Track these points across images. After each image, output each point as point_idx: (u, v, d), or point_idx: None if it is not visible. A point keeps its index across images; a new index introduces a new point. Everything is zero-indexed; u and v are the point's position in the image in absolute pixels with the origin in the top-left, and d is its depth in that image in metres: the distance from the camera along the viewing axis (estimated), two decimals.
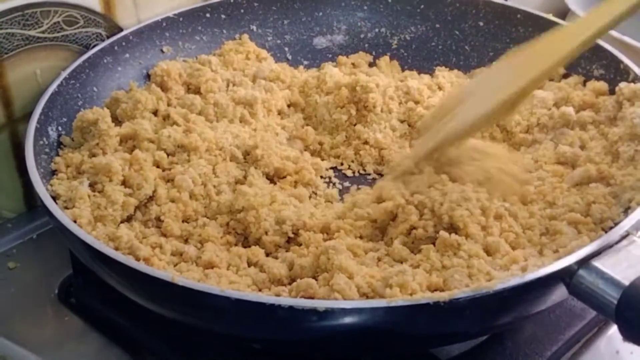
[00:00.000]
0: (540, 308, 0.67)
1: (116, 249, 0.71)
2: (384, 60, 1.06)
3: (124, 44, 0.97)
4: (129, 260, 0.66)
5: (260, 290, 0.69)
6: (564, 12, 1.20)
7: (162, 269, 0.70)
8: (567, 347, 0.77)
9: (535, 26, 0.99)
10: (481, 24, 1.04)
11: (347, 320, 0.61)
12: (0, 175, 0.90)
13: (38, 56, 0.89)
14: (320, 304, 0.60)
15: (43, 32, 0.88)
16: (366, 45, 1.09)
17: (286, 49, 1.08)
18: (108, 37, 0.95)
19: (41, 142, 0.83)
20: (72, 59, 0.92)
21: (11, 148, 0.90)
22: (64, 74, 0.90)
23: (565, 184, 0.79)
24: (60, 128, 0.87)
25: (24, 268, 0.85)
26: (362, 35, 1.09)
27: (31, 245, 0.89)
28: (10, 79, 0.87)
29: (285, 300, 0.61)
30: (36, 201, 0.93)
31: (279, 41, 1.08)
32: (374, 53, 1.08)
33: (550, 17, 0.99)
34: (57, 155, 0.85)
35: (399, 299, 0.61)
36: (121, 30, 0.97)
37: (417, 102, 0.94)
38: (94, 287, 0.79)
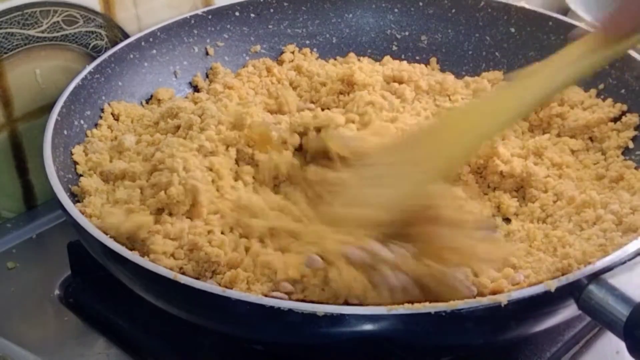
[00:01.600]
0: (548, 324, 0.66)
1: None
2: None
3: (151, 39, 0.97)
4: (135, 257, 0.66)
5: None
6: (564, 12, 1.18)
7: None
8: (567, 348, 0.76)
9: (566, 33, 0.97)
10: (513, 30, 1.02)
11: (347, 325, 0.60)
12: None
13: (37, 56, 0.89)
14: (320, 309, 0.59)
15: (42, 31, 0.88)
16: (395, 48, 1.07)
17: (315, 49, 1.07)
18: (108, 37, 0.95)
19: (65, 133, 0.84)
20: (72, 58, 0.92)
21: (11, 148, 0.90)
22: (89, 68, 0.90)
23: None
24: (83, 121, 0.88)
25: (23, 268, 0.86)
26: (391, 38, 1.08)
27: (31, 245, 0.89)
28: (9, 78, 0.87)
29: (285, 303, 0.61)
30: (36, 201, 0.95)
31: (307, 41, 1.07)
32: (402, 57, 1.07)
33: (583, 26, 0.97)
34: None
35: (400, 307, 0.60)
36: (121, 29, 0.97)
37: None
38: (93, 287, 0.80)
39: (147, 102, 0.96)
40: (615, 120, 0.89)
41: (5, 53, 0.86)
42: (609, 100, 0.91)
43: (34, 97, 0.89)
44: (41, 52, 0.89)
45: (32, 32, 0.87)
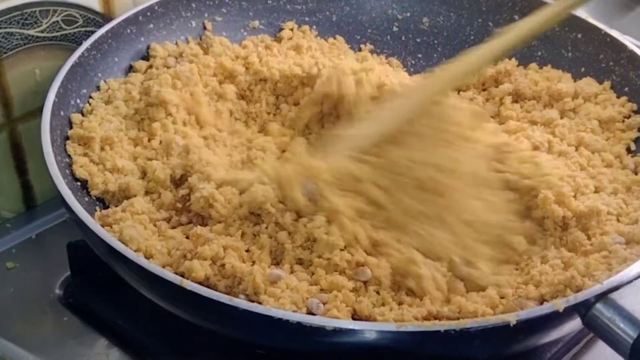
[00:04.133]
0: (551, 338, 0.66)
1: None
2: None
3: (148, 14, 0.95)
4: (141, 260, 0.65)
5: None
6: None
7: None
8: (567, 349, 0.76)
9: (570, 26, 0.96)
10: (516, 18, 1.00)
11: (355, 340, 0.60)
12: None
13: (37, 55, 0.88)
14: (329, 323, 0.59)
15: (42, 31, 0.86)
16: (396, 29, 1.06)
17: (314, 27, 1.05)
18: None
19: (62, 114, 0.82)
20: None
21: (10, 148, 0.89)
22: (86, 45, 0.88)
23: None
24: (79, 100, 0.86)
25: (23, 268, 0.85)
26: (392, 19, 1.06)
27: (30, 245, 0.88)
28: (9, 78, 0.86)
29: (294, 315, 0.60)
30: (35, 201, 0.93)
31: (307, 18, 1.05)
32: (403, 38, 1.05)
33: (588, 18, 0.96)
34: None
35: (409, 324, 0.60)
36: None
37: None
38: (93, 287, 0.79)
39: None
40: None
41: (5, 53, 0.85)
42: (624, 98, 0.90)
43: (33, 97, 0.88)
44: (41, 52, 0.88)
45: (31, 32, 0.86)
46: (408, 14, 1.06)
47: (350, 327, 0.60)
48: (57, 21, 0.87)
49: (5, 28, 0.83)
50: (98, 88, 0.89)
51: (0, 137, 0.88)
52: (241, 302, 0.61)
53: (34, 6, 0.85)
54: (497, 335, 0.60)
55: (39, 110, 0.80)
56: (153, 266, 0.64)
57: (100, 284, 0.73)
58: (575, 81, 0.94)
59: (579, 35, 0.95)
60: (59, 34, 0.89)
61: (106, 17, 0.92)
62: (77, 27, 0.90)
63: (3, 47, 0.84)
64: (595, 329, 0.63)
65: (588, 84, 0.92)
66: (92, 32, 0.90)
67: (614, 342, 0.61)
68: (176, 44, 0.97)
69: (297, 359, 0.70)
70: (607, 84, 0.92)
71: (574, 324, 0.64)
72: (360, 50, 1.05)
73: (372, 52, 1.05)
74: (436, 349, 0.62)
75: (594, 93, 0.91)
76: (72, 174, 0.78)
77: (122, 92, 0.88)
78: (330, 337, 0.60)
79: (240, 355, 0.72)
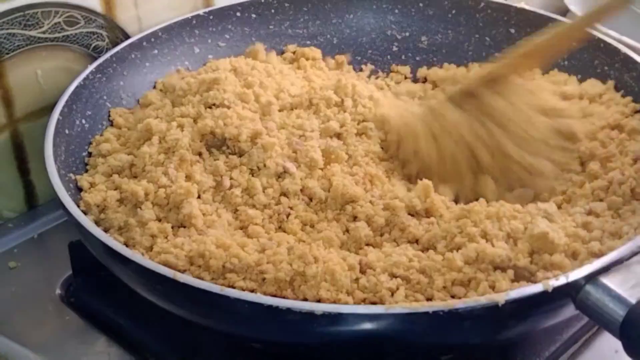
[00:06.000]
0: (547, 324, 0.66)
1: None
2: None
3: (152, 39, 0.98)
4: (135, 256, 0.67)
5: None
6: (564, 12, 1.19)
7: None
8: (566, 347, 0.76)
9: None
10: (512, 31, 1.02)
11: (345, 324, 0.61)
12: (1, 175, 0.91)
13: (39, 56, 0.90)
14: (318, 308, 0.60)
15: (44, 32, 0.89)
16: (395, 49, 1.08)
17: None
18: (109, 38, 0.96)
19: (67, 132, 0.84)
20: (73, 59, 0.93)
21: (12, 148, 0.91)
22: (91, 68, 0.90)
23: None
24: (84, 121, 0.88)
25: (24, 267, 0.86)
26: (392, 39, 1.08)
27: (32, 245, 0.89)
28: (11, 79, 0.88)
29: (283, 302, 0.61)
30: (37, 201, 0.95)
31: (309, 42, 1.08)
32: (403, 57, 1.07)
33: None
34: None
35: (398, 306, 0.60)
36: (122, 30, 0.97)
37: None
38: (94, 286, 0.80)
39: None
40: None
41: (7, 54, 0.87)
42: (628, 98, 0.90)
43: (35, 98, 0.90)
44: (42, 52, 0.90)
45: (33, 33, 0.88)
46: (407, 34, 1.08)
47: (339, 311, 0.60)
48: (59, 22, 0.89)
49: (7, 29, 0.85)
50: (109, 116, 0.91)
51: (2, 137, 0.90)
52: (232, 292, 0.62)
53: (35, 7, 0.87)
54: (486, 316, 0.61)
55: (41, 111, 0.82)
56: (148, 262, 0.66)
57: (101, 283, 0.74)
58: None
59: (573, 43, 0.97)
60: (60, 35, 0.91)
61: (107, 19, 0.94)
62: (78, 28, 0.92)
63: (5, 47, 0.86)
64: (587, 312, 0.63)
65: (592, 85, 0.93)
66: (94, 33, 0.93)
67: (605, 323, 0.61)
68: (178, 71, 0.99)
69: (292, 353, 0.70)
70: (611, 83, 0.92)
71: (567, 310, 0.64)
72: (361, 70, 1.07)
73: (373, 72, 1.07)
74: (427, 333, 0.62)
75: (597, 93, 0.92)
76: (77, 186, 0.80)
77: None
78: (320, 323, 0.60)
79: (240, 354, 0.73)
